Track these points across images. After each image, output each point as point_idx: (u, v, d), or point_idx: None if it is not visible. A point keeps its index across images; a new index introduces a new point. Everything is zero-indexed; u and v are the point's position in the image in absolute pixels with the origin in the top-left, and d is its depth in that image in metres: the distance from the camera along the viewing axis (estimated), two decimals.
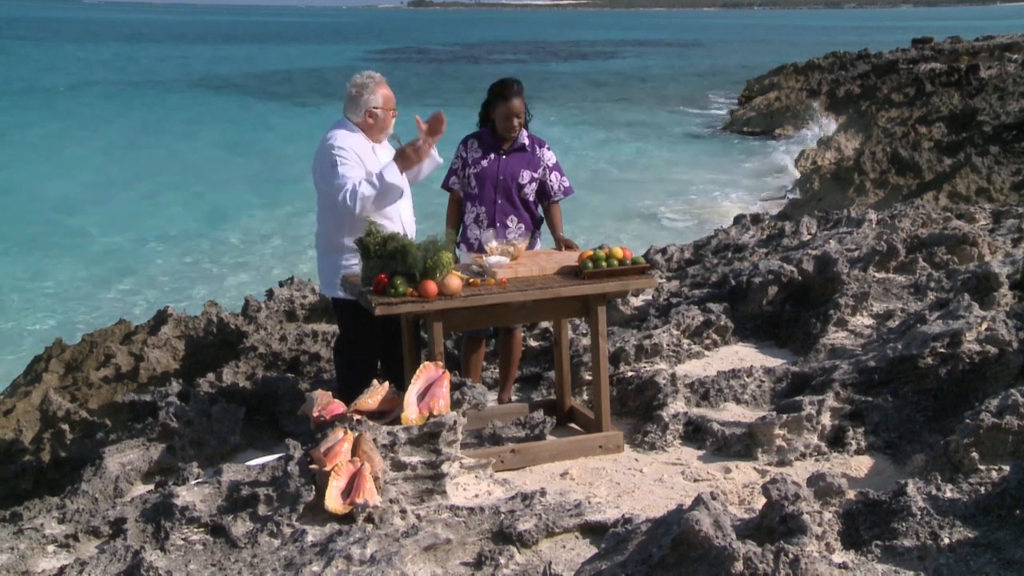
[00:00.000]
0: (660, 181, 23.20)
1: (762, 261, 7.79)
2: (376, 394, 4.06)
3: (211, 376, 6.48)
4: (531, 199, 5.36)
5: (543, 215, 5.48)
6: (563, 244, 5.35)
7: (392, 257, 4.48)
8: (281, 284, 8.32)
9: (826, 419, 4.83)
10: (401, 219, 5.07)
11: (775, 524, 3.10)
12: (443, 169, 5.37)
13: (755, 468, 4.62)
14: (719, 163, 25.43)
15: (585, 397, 5.57)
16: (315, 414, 4.00)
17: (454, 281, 4.45)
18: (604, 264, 4.72)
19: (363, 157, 4.92)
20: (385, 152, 5.09)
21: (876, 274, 7.34)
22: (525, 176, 5.29)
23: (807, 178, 18.70)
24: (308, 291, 8.09)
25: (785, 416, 4.77)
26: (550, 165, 5.38)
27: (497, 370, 5.90)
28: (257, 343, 6.94)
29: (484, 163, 5.27)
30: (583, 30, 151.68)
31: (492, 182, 5.26)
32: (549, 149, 5.44)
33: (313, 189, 5.08)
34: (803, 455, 4.69)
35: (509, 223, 5.28)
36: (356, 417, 3.89)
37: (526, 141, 5.34)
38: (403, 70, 51.53)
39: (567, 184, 5.45)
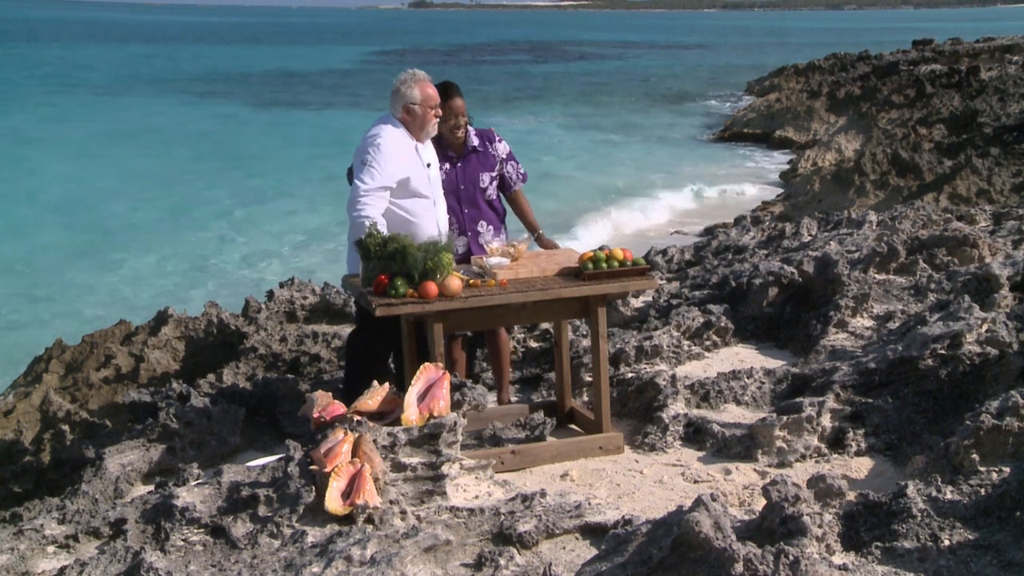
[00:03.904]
0: (660, 182, 23.20)
1: (762, 262, 7.78)
2: (376, 395, 4.06)
3: (211, 377, 6.48)
4: (494, 197, 5.34)
5: (508, 206, 5.46)
6: (547, 244, 5.35)
7: (392, 258, 4.48)
8: (281, 285, 8.31)
9: (826, 420, 4.83)
10: (438, 220, 5.06)
11: (775, 526, 3.10)
12: None
13: (755, 469, 4.62)
14: (719, 164, 25.43)
15: (585, 398, 5.57)
16: (315, 415, 3.99)
17: (454, 282, 4.46)
18: (604, 265, 4.72)
19: (403, 154, 4.89)
20: (427, 151, 5.06)
21: (876, 275, 7.34)
22: (485, 179, 5.25)
23: (807, 179, 18.70)
24: (308, 292, 8.09)
25: (785, 417, 4.77)
26: (504, 157, 5.33)
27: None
28: (257, 344, 6.94)
29: (442, 174, 5.16)
30: (583, 31, 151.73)
31: (455, 194, 5.20)
32: (501, 141, 5.35)
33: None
34: (803, 456, 4.69)
35: (480, 228, 5.26)
36: (356, 418, 3.89)
37: (475, 142, 5.26)
38: (404, 71, 51.47)
39: (523, 171, 5.43)
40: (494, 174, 5.29)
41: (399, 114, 4.97)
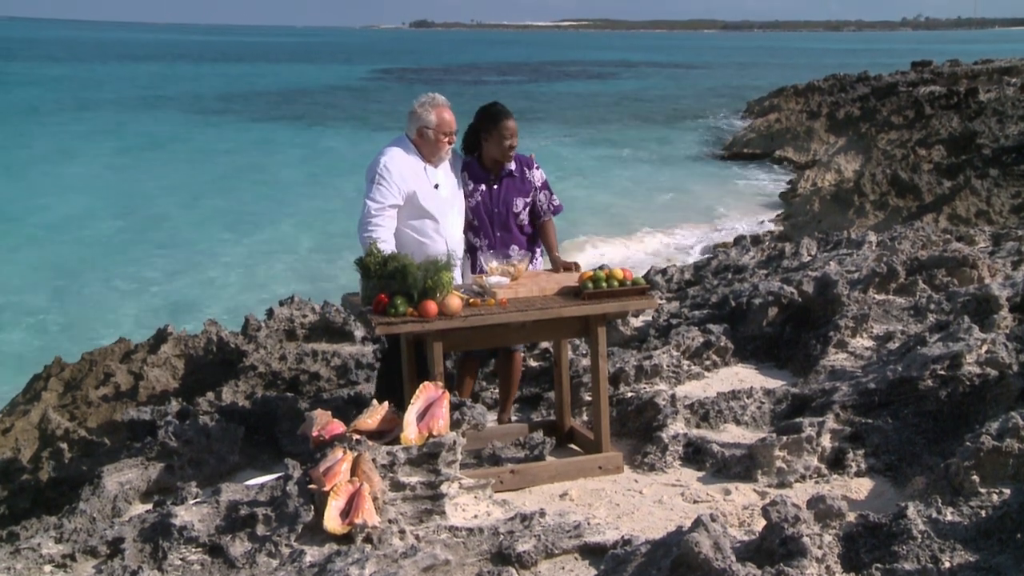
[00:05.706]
0: (660, 201, 23.27)
1: (762, 282, 7.79)
2: (376, 414, 4.06)
3: (210, 395, 6.47)
4: (526, 223, 5.31)
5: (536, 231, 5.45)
6: (561, 264, 5.31)
7: (392, 277, 4.49)
8: (281, 303, 8.30)
9: (826, 441, 4.82)
10: (447, 241, 5.04)
11: (775, 547, 3.09)
12: None
13: (755, 490, 4.61)
14: (719, 184, 25.51)
15: (585, 418, 5.56)
16: (314, 434, 3.99)
17: (454, 301, 4.46)
18: (604, 285, 4.72)
19: (409, 177, 4.92)
20: (440, 174, 5.06)
21: (876, 296, 7.35)
22: (519, 204, 5.23)
23: (807, 199, 18.76)
24: (308, 310, 8.09)
25: (785, 438, 4.76)
26: (539, 185, 5.31)
27: (497, 390, 5.88)
28: (257, 362, 6.93)
29: (478, 196, 5.18)
30: (583, 51, 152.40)
31: (488, 216, 5.20)
32: (538, 168, 5.34)
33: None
34: (803, 477, 4.68)
35: (511, 252, 5.23)
36: (355, 437, 3.89)
37: (512, 166, 5.23)
38: (405, 90, 51.81)
39: (557, 202, 5.37)
40: (528, 200, 5.27)
41: (413, 135, 5.03)
